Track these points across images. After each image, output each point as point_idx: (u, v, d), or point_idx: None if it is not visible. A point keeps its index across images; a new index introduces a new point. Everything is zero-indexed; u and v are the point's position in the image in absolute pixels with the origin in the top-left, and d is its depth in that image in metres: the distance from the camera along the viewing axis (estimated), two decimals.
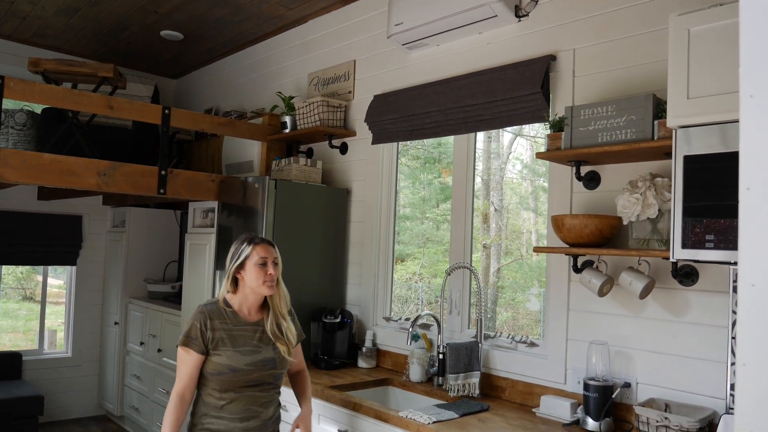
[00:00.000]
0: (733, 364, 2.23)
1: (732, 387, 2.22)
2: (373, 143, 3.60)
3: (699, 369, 2.33)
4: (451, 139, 3.37)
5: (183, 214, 5.37)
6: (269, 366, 2.35)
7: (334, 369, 3.37)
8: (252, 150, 4.15)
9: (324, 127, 3.71)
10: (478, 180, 3.29)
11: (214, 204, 3.94)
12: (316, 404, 2.92)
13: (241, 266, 2.36)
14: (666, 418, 2.21)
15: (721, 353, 2.27)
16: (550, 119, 2.63)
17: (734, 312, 2.24)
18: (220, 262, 3.79)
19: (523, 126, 5.43)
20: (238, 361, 2.28)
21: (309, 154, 4.16)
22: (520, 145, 6.41)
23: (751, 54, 0.71)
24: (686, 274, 2.38)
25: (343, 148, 3.92)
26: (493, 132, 3.43)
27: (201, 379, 2.32)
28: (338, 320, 3.46)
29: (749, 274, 0.63)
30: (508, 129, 5.11)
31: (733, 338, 2.24)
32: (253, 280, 2.34)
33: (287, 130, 3.98)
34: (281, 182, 3.50)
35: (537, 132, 5.64)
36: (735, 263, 2.00)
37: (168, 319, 4.61)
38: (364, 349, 3.46)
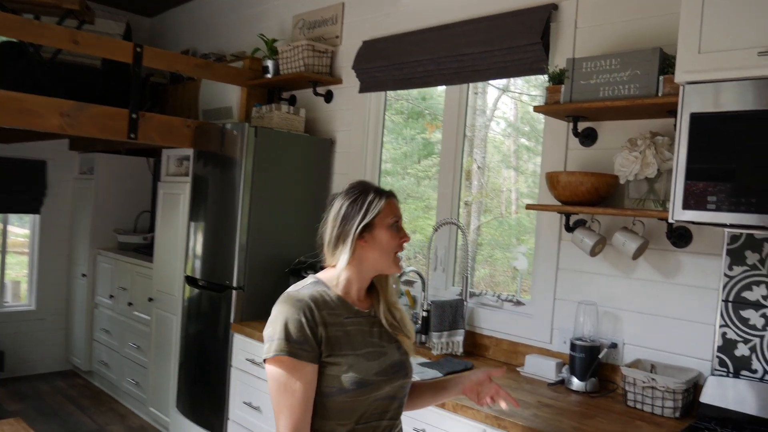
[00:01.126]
0: (721, 326, 2.21)
1: (719, 349, 2.21)
2: (360, 92, 3.45)
3: (686, 331, 2.31)
4: (437, 93, 3.25)
5: (156, 161, 5.15)
6: (401, 373, 1.63)
7: None
8: (231, 95, 3.97)
9: (309, 73, 3.54)
10: None
11: (190, 151, 3.77)
12: None
13: (369, 227, 1.59)
14: (653, 379, 2.20)
15: (709, 315, 2.25)
16: (550, 71, 2.52)
17: (726, 275, 2.21)
18: (195, 213, 3.64)
19: (510, 83, 5.32)
20: (365, 369, 1.54)
21: (292, 101, 3.99)
22: (503, 104, 6.32)
23: None
24: (680, 236, 2.34)
25: (328, 96, 3.76)
26: (480, 88, 3.30)
27: None
28: None
29: None
30: (495, 84, 4.99)
31: (724, 301, 2.21)
32: (383, 252, 1.60)
33: (269, 75, 3.79)
34: (262, 130, 3.35)
35: (522, 89, 5.53)
36: (739, 226, 1.95)
37: (139, 272, 4.47)
38: None
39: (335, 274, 1.61)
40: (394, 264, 1.63)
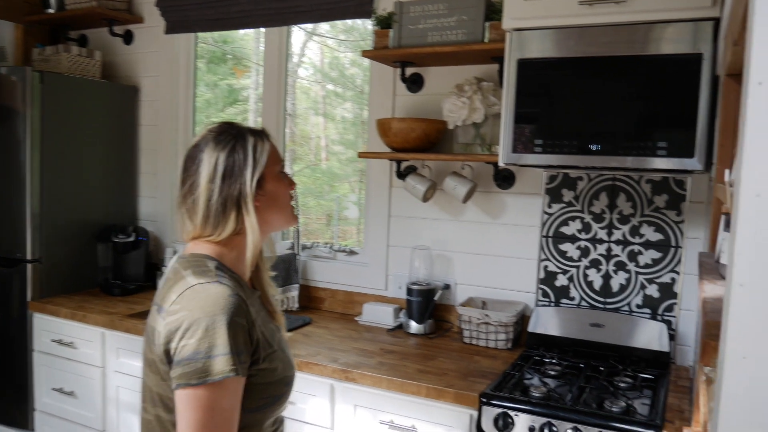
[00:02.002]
0: (543, 260, 2.39)
1: (541, 281, 2.39)
2: (166, 32, 3.08)
3: (512, 267, 2.46)
4: (239, 36, 3.04)
5: None
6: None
7: (130, 294, 2.99)
8: (2, 33, 3.32)
9: (102, 9, 3.06)
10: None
11: None
12: (114, 337, 2.56)
13: (261, 181, 1.26)
14: (486, 315, 2.32)
15: (532, 251, 2.42)
16: (377, 15, 2.44)
17: (545, 213, 2.37)
18: None
19: (317, 27, 5.20)
20: (289, 363, 1.30)
21: (82, 42, 3.45)
22: (309, 49, 6.19)
23: None
24: (504, 178, 2.46)
25: (128, 38, 3.31)
26: (286, 31, 3.10)
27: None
28: (131, 239, 3.05)
29: (754, 184, 0.54)
30: (305, 28, 4.83)
31: (544, 236, 2.38)
32: (279, 207, 1.30)
33: (52, 10, 3.22)
34: (49, 75, 2.86)
35: (329, 34, 5.44)
36: (560, 166, 2.08)
37: None
38: (163, 270, 3.11)
39: (226, 250, 1.25)
40: (292, 217, 1.35)
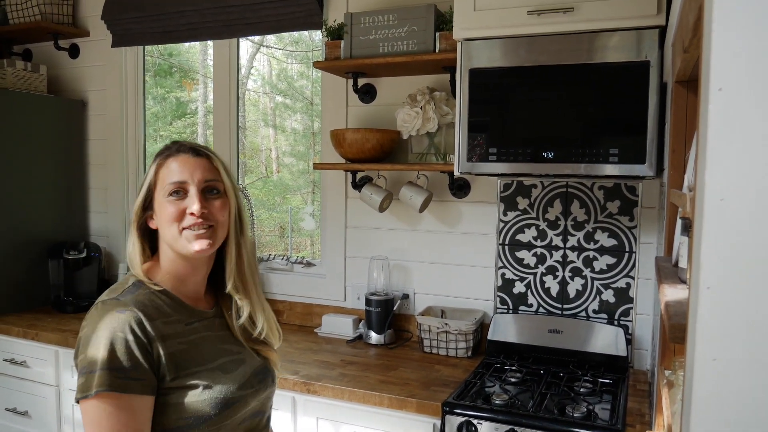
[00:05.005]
0: (500, 267, 2.41)
1: (499, 289, 2.41)
2: (113, 46, 3.00)
3: (470, 275, 2.48)
4: (184, 48, 2.98)
5: None
6: (267, 381, 1.34)
7: (83, 311, 2.87)
8: None
9: (47, 23, 2.97)
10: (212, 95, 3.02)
11: None
12: (68, 355, 2.48)
13: (148, 204, 1.25)
14: (446, 324, 2.32)
15: (489, 259, 2.44)
16: (327, 26, 2.44)
17: (501, 220, 2.40)
18: None
19: (265, 39, 5.17)
20: (226, 385, 1.22)
21: (27, 56, 3.33)
22: (257, 61, 6.16)
23: None
24: (459, 187, 2.48)
25: (74, 51, 3.22)
26: (237, 44, 3.06)
27: None
28: (83, 255, 2.95)
29: (718, 188, 0.55)
30: (252, 39, 4.80)
31: (500, 244, 2.41)
32: (166, 230, 1.22)
33: None
34: None
35: (278, 45, 5.43)
36: (517, 174, 2.10)
37: None
38: None
39: (154, 267, 1.26)
40: (187, 243, 1.20)
